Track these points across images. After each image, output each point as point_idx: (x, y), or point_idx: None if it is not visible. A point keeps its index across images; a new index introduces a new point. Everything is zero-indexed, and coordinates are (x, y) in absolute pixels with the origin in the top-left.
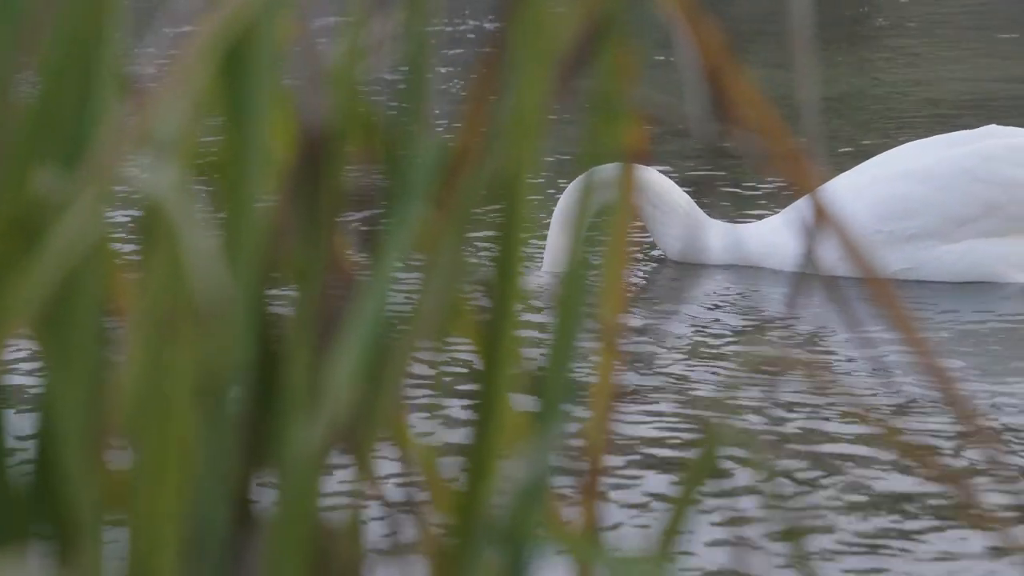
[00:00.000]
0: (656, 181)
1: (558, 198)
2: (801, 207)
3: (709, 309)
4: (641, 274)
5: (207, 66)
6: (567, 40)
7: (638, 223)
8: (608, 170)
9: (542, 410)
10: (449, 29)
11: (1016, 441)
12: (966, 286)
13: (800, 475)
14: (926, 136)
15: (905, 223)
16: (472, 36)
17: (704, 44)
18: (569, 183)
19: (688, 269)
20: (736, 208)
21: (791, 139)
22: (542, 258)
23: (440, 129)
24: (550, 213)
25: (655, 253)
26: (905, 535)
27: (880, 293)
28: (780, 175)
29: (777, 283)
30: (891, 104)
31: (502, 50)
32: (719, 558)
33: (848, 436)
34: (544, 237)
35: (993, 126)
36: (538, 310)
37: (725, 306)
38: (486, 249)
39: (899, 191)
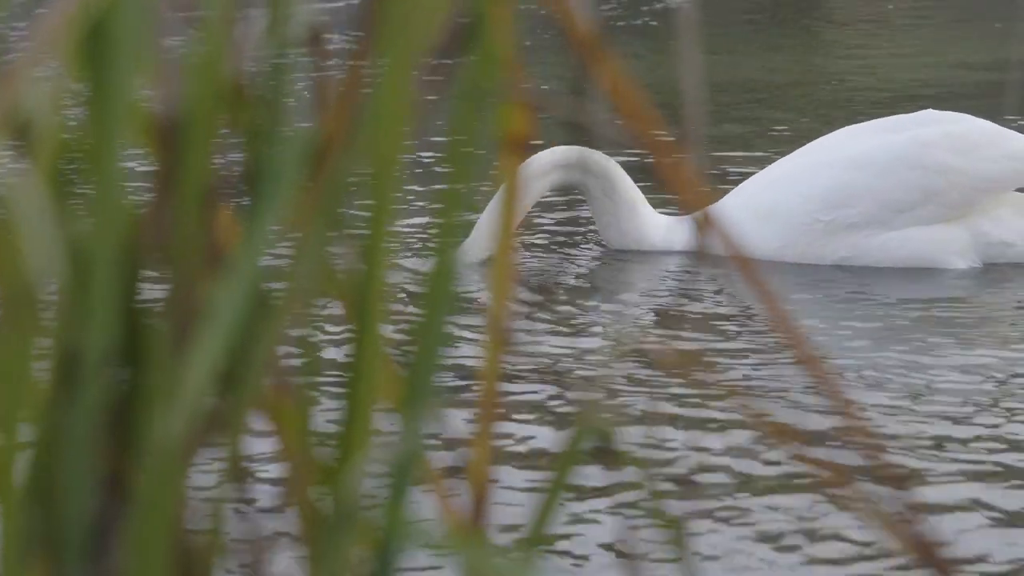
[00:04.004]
0: (612, 170)
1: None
2: (743, 193)
3: (640, 299)
4: (580, 262)
5: (69, 45)
6: (437, 26)
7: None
8: (542, 159)
9: (411, 395)
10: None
11: (955, 424)
12: (908, 271)
13: (681, 464)
14: (869, 121)
15: (845, 211)
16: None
17: (574, 33)
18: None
19: (628, 258)
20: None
21: (659, 127)
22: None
23: (311, 114)
24: (425, 196)
25: (594, 243)
26: (786, 523)
27: (755, 285)
28: (652, 160)
29: (715, 274)
30: (835, 89)
31: (370, 34)
32: (600, 546)
33: (728, 425)
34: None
35: (930, 110)
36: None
37: (655, 296)
38: (357, 230)
39: (838, 179)
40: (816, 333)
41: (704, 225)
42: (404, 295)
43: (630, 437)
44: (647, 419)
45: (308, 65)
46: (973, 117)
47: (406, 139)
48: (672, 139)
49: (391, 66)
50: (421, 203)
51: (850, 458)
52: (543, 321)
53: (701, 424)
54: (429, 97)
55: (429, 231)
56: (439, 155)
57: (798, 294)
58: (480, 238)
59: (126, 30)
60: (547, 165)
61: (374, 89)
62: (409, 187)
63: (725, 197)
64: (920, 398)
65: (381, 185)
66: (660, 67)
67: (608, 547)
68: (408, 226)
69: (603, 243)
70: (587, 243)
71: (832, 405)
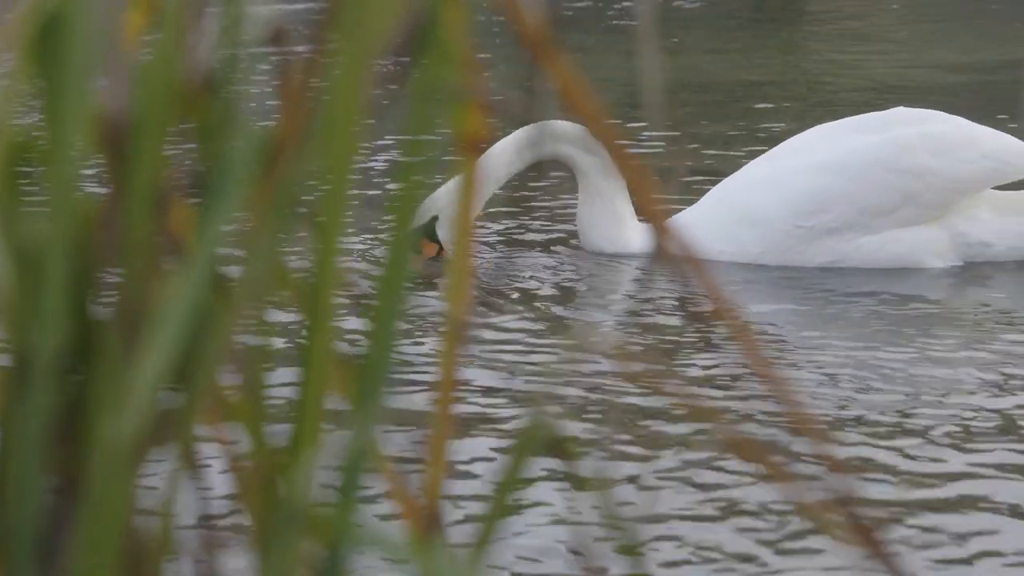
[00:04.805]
0: (619, 175)
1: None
2: (720, 195)
3: (608, 305)
4: (554, 264)
5: (23, 43)
6: (392, 26)
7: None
8: (504, 143)
9: (363, 392)
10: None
11: (936, 419)
12: (888, 272)
13: (636, 473)
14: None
15: (824, 217)
16: None
17: (525, 32)
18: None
19: (602, 262)
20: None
21: (609, 125)
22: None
23: (265, 116)
24: (380, 196)
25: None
26: (749, 538)
27: (711, 289)
28: (610, 161)
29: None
30: (817, 87)
31: (324, 36)
32: (555, 557)
33: (692, 438)
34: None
35: (900, 108)
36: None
37: (624, 303)
38: (310, 229)
39: (816, 184)
40: (796, 336)
41: (662, 230)
42: (357, 293)
43: (587, 449)
44: (606, 431)
45: (266, 64)
46: (944, 114)
47: (360, 139)
48: (627, 140)
49: (345, 66)
50: (375, 203)
51: (812, 469)
52: (502, 329)
53: (662, 438)
54: (384, 97)
55: (383, 230)
56: (395, 155)
57: (777, 297)
58: (443, 224)
59: (80, 28)
60: (508, 151)
61: (328, 89)
62: (363, 188)
63: (702, 199)
64: (905, 402)
65: (335, 185)
66: (664, 65)
67: (562, 558)
68: (362, 227)
69: (576, 245)
70: (560, 245)
71: (787, 413)
